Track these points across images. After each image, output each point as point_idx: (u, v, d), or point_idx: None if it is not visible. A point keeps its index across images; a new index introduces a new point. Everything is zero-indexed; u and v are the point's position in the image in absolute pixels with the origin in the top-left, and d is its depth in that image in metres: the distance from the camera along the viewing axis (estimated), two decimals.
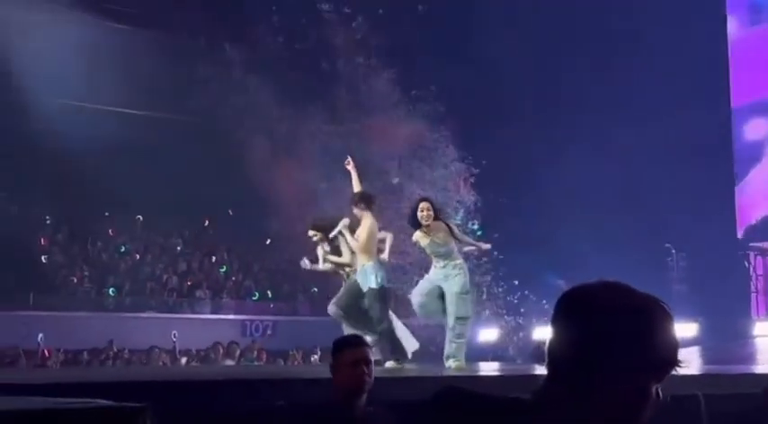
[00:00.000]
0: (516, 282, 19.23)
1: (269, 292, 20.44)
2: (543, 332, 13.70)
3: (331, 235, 9.03)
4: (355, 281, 8.74)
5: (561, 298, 1.75)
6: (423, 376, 7.14)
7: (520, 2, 20.09)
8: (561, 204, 18.87)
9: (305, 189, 16.32)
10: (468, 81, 18.76)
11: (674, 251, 18.46)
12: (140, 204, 19.28)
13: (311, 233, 9.26)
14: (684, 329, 13.70)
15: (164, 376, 6.96)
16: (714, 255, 18.25)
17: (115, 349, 15.77)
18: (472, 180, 18.61)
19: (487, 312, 18.75)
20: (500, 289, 19.03)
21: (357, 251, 8.69)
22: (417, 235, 8.51)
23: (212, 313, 19.09)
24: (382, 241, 8.99)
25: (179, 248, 20.78)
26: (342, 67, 18.35)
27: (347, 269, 9.14)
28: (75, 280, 18.34)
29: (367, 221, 8.65)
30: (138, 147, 18.17)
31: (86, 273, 18.54)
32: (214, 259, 20.81)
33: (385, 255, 8.94)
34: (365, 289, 8.54)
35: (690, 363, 7.65)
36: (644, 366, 1.66)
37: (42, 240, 19.08)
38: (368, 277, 8.53)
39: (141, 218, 20.50)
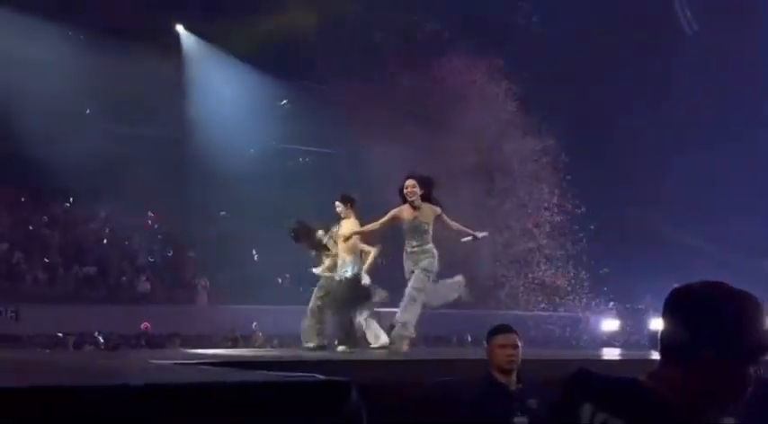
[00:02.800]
0: (632, 278, 18.39)
1: None
2: (658, 324, 13.23)
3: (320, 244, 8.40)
4: (336, 281, 8.10)
5: (671, 295, 1.78)
6: (565, 359, 6.93)
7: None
8: (681, 207, 18.09)
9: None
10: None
11: None
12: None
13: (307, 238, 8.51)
14: None
15: (361, 357, 6.91)
16: None
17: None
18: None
19: (610, 304, 18.23)
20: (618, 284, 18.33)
21: (340, 249, 8.03)
22: (402, 209, 7.41)
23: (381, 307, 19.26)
24: (365, 250, 8.23)
25: None
26: None
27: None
28: (281, 281, 19.06)
29: (349, 220, 8.00)
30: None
31: (287, 275, 19.17)
32: (382, 262, 21.04)
33: (366, 266, 8.13)
34: (342, 279, 7.97)
35: None
36: (741, 350, 1.68)
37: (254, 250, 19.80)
38: (345, 268, 7.95)
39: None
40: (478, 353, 4.72)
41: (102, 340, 13.18)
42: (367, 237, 8.24)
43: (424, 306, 7.52)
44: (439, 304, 7.87)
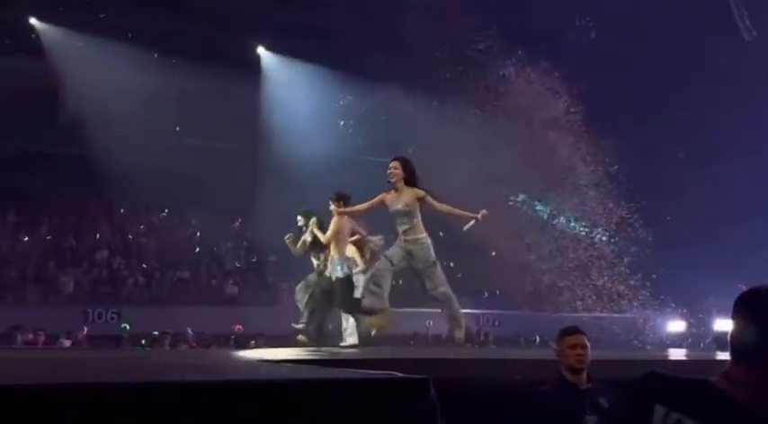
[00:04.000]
0: (694, 279, 17.89)
1: (497, 291, 20.43)
2: (723, 324, 12.73)
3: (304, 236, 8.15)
4: (326, 279, 7.86)
5: (740, 297, 1.76)
6: (632, 360, 6.75)
7: None
8: (740, 207, 17.47)
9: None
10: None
11: None
12: None
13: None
14: None
15: (435, 355, 6.78)
16: None
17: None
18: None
19: (673, 305, 17.72)
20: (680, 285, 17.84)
21: (326, 243, 7.81)
22: (385, 195, 6.81)
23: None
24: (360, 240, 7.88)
25: None
26: None
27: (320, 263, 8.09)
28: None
29: (336, 218, 7.70)
30: None
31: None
32: (452, 264, 21.06)
33: (359, 267, 7.74)
34: (333, 278, 7.69)
35: None
36: None
37: None
38: (335, 267, 7.69)
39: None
40: (546, 354, 4.67)
41: (193, 339, 13.52)
42: (355, 229, 7.87)
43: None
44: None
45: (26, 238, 17.15)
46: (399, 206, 6.70)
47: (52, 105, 17.23)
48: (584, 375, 3.94)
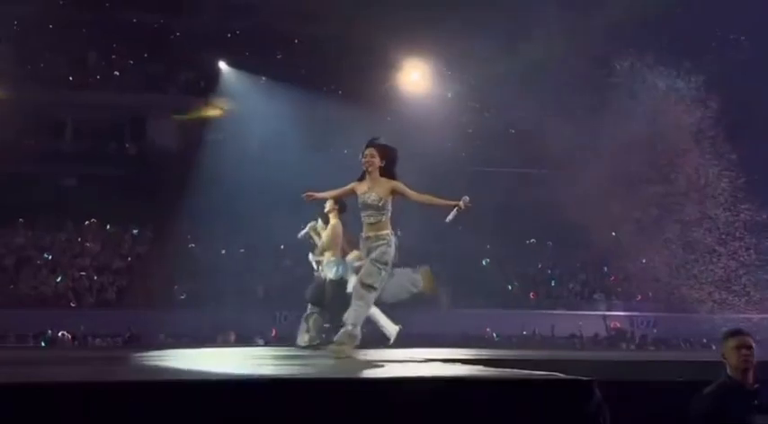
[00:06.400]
0: None
1: (649, 294, 19.40)
2: None
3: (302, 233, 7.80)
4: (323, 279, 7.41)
5: None
6: None
7: None
8: None
9: None
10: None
11: None
12: None
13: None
14: None
15: (594, 357, 6.65)
16: None
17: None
18: None
19: None
20: None
21: (322, 247, 7.43)
22: (356, 184, 5.82)
23: (606, 310, 18.60)
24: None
25: (577, 265, 20.57)
26: None
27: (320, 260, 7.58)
28: (510, 288, 18.96)
29: (333, 222, 7.34)
30: None
31: (516, 283, 19.10)
32: (606, 268, 20.34)
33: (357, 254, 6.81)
34: (326, 279, 7.30)
35: None
36: None
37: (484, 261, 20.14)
38: (329, 268, 7.28)
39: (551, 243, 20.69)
40: (708, 355, 4.38)
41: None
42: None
43: (376, 302, 5.96)
44: (390, 302, 6.19)
45: (223, 251, 18.31)
46: (372, 198, 5.67)
47: None
48: (751, 376, 3.73)
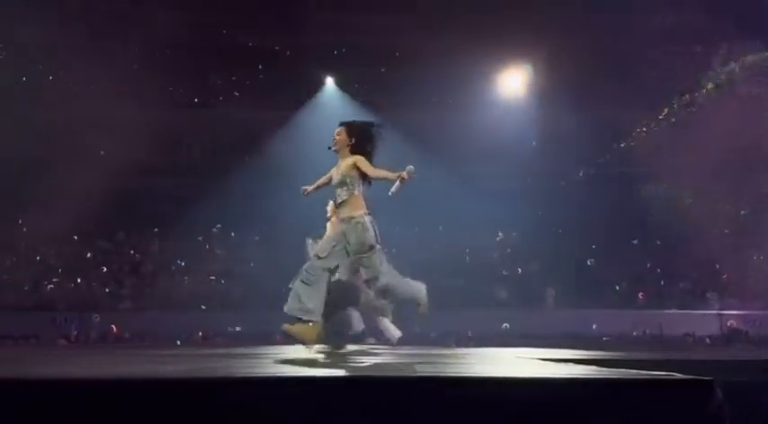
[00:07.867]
0: None
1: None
2: None
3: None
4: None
5: None
6: None
7: None
8: None
9: None
10: None
11: None
12: None
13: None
14: None
15: (708, 356, 6.44)
16: None
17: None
18: None
19: None
20: None
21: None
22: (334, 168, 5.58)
23: (720, 309, 17.69)
24: None
25: (688, 263, 19.65)
26: None
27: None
28: (617, 287, 18.47)
29: (334, 219, 6.50)
30: None
31: (624, 283, 18.58)
32: (718, 266, 19.39)
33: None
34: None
35: None
36: None
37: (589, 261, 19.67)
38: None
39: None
40: None
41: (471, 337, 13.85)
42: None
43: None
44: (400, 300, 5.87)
45: None
46: (339, 175, 5.48)
47: None
48: None
